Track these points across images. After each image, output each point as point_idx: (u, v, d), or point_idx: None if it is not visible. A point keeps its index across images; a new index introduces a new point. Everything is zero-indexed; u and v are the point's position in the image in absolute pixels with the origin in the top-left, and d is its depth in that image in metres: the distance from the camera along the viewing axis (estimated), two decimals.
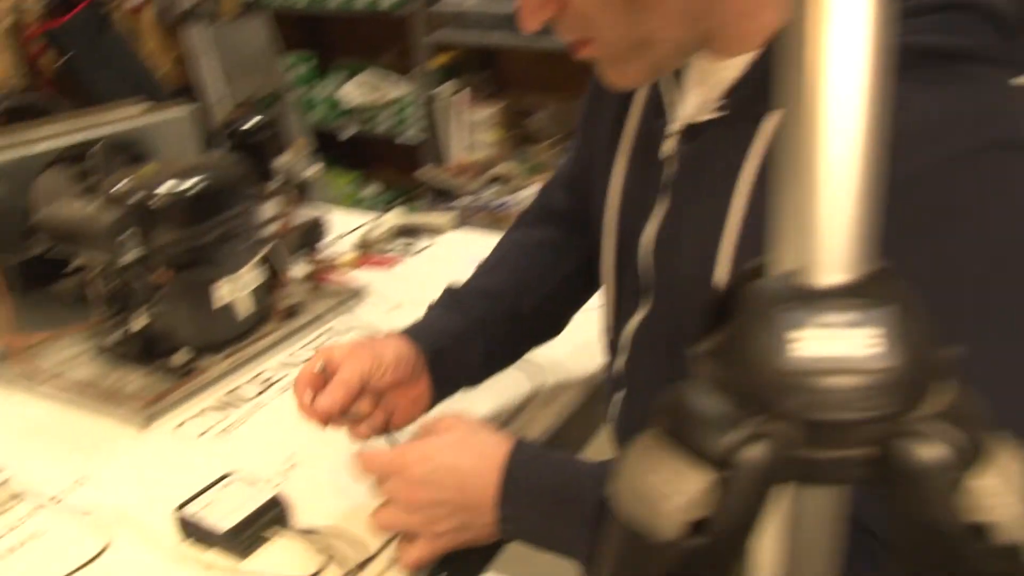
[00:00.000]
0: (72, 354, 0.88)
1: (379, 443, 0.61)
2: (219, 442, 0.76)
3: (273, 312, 0.91)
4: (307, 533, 0.60)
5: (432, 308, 0.67)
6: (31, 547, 0.62)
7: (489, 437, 0.53)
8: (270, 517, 0.61)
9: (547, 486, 0.50)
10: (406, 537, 0.55)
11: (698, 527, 0.22)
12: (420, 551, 0.54)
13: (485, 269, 0.70)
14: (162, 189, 0.77)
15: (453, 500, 0.51)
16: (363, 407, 0.60)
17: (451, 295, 0.67)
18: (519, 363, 0.70)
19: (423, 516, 0.53)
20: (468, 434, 0.54)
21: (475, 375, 0.66)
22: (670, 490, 0.22)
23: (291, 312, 0.93)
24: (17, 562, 0.60)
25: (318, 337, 0.92)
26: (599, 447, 0.71)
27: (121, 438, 0.77)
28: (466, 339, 0.64)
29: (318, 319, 0.94)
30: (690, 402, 0.23)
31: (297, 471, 0.70)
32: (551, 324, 0.71)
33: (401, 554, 0.55)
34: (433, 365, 0.62)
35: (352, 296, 0.97)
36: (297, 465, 0.70)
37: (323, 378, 0.59)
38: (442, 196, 2.20)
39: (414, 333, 0.63)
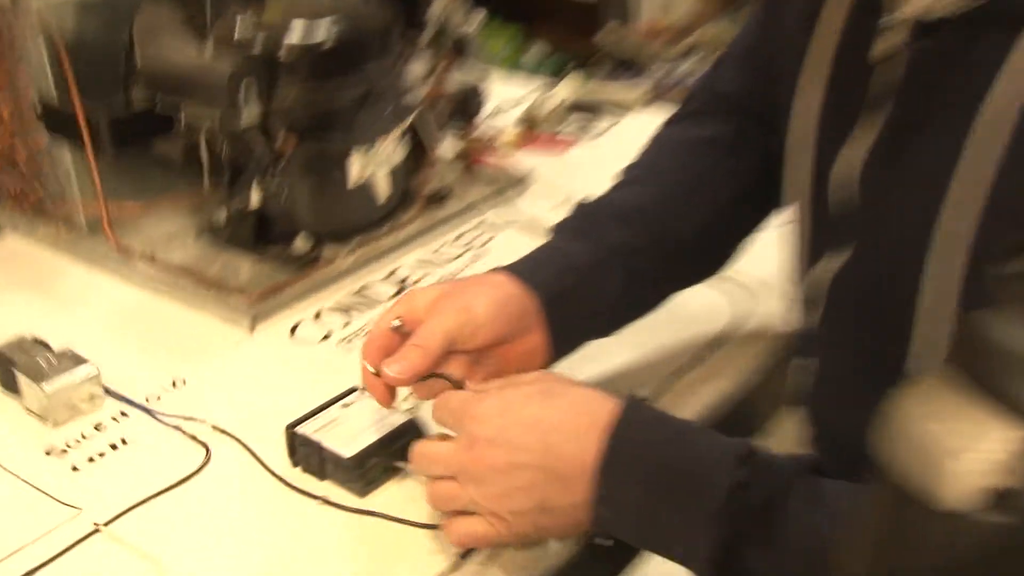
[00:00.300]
0: (170, 232, 0.92)
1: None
2: (343, 351, 0.79)
3: (415, 197, 0.95)
4: None
5: (556, 231, 0.67)
6: (116, 456, 0.67)
7: (590, 391, 0.53)
8: (402, 446, 0.62)
9: (667, 459, 0.49)
10: (461, 514, 0.54)
11: (1000, 499, 0.22)
12: (473, 527, 0.53)
13: (630, 178, 0.69)
14: (291, 35, 0.77)
15: (534, 465, 0.50)
16: (453, 369, 0.60)
17: (582, 214, 0.67)
18: (708, 285, 0.70)
19: (490, 488, 0.52)
20: (561, 384, 0.54)
21: (607, 323, 0.66)
22: (962, 445, 0.22)
23: (437, 198, 0.96)
24: (100, 470, 0.65)
25: (468, 232, 0.95)
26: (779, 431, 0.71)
27: (225, 337, 0.81)
28: (598, 277, 0.63)
29: (470, 209, 0.97)
30: (997, 335, 0.22)
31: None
32: (715, 256, 0.70)
33: (446, 526, 0.54)
34: (551, 314, 0.61)
35: (513, 184, 1.00)
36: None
37: (399, 338, 0.60)
38: (625, 66, 2.15)
39: (526, 271, 0.62)
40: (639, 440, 0.50)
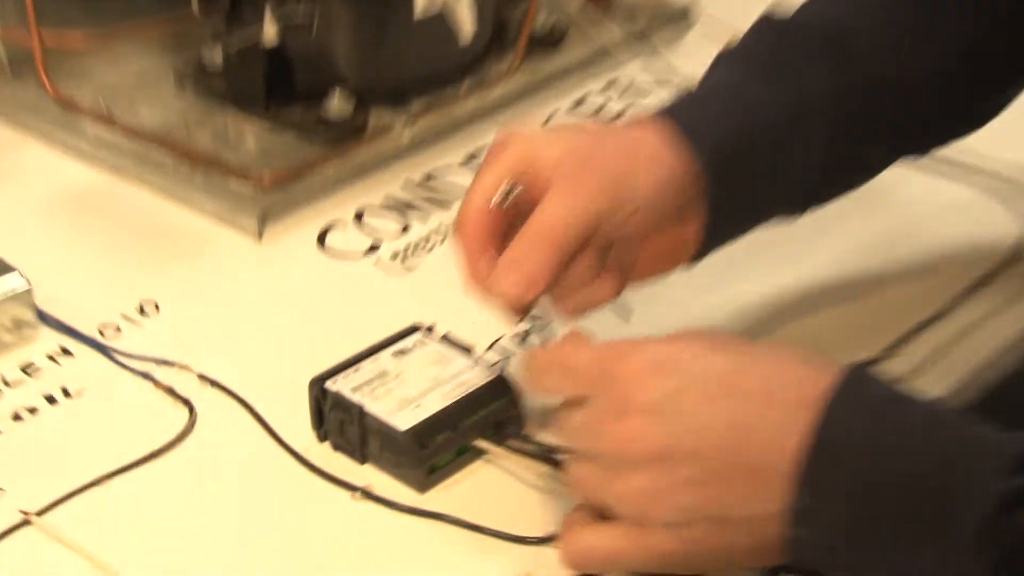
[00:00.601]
0: (136, 78, 0.90)
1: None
2: (398, 270, 0.78)
3: (514, 38, 0.92)
4: (550, 455, 0.61)
5: (731, 63, 0.68)
6: (55, 414, 0.67)
7: (792, 354, 0.54)
8: (485, 417, 0.62)
9: (905, 460, 0.49)
10: (590, 514, 0.55)
11: None
12: (602, 540, 0.54)
13: None
14: None
15: (713, 452, 0.52)
16: (579, 272, 0.61)
17: (771, 38, 0.68)
18: None
19: (639, 479, 0.53)
20: (745, 343, 0.56)
21: (792, 206, 0.68)
22: None
23: (549, 40, 0.93)
24: (30, 435, 0.65)
25: (593, 95, 0.93)
26: None
27: (219, 243, 0.80)
28: (792, 140, 0.65)
29: (599, 58, 0.95)
30: None
31: (541, 338, 0.72)
32: (965, 108, 0.71)
33: (562, 536, 0.56)
34: (719, 193, 0.63)
35: (668, 20, 0.97)
36: (537, 329, 0.72)
37: (512, 215, 0.60)
38: None
39: (690, 123, 0.63)
40: (864, 429, 0.50)
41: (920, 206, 0.77)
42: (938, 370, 0.70)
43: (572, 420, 0.56)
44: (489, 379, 0.64)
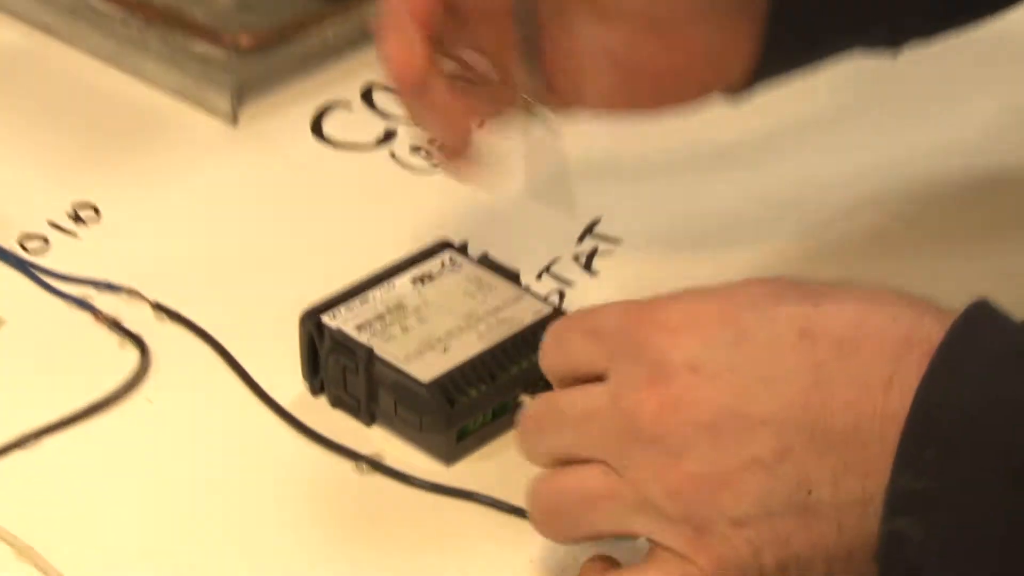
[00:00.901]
0: None
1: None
2: (422, 169, 0.79)
3: None
4: None
5: None
6: None
7: (882, 291, 0.55)
8: (534, 365, 0.61)
9: None
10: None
11: None
12: (661, 569, 0.54)
13: None
14: None
15: (786, 418, 0.52)
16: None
17: None
18: None
19: (695, 463, 0.52)
20: (825, 286, 0.56)
21: (889, 20, 0.69)
22: None
23: None
24: None
25: None
26: None
27: (180, 128, 0.82)
28: None
29: None
30: None
31: (611, 262, 0.73)
32: None
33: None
34: None
35: None
36: (604, 249, 0.74)
37: None
38: None
39: None
40: (995, 382, 0.50)
41: None
42: None
43: (579, 404, 0.55)
44: (539, 316, 0.64)
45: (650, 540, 0.54)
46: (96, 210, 0.76)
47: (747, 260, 0.74)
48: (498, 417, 0.63)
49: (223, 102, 0.83)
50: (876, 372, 0.51)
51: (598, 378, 0.55)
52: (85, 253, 0.74)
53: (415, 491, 0.61)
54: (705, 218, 0.77)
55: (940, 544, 0.50)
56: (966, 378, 0.50)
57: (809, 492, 0.51)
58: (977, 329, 0.52)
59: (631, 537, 0.55)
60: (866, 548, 0.51)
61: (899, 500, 0.50)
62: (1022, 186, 0.79)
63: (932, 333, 0.51)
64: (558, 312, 0.65)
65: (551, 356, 0.58)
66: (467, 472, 0.62)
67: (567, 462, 0.55)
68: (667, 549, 0.53)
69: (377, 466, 0.62)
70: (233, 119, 0.83)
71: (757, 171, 0.75)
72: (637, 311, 0.55)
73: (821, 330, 0.52)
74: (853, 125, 0.78)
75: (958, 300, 0.53)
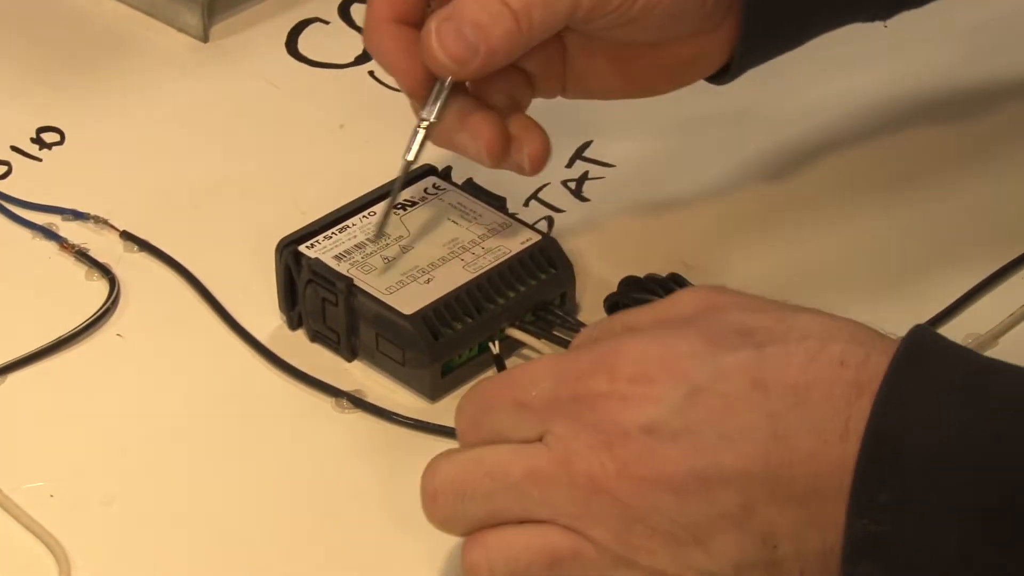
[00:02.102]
0: None
1: None
2: (400, 94, 0.76)
3: None
4: None
5: None
6: None
7: (833, 319, 0.55)
8: (523, 296, 0.64)
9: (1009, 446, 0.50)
10: None
11: None
12: None
13: None
14: None
15: (748, 469, 0.52)
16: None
17: None
18: None
19: (652, 523, 0.53)
20: (768, 309, 0.56)
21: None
22: None
23: None
24: None
25: None
26: None
27: (149, 46, 0.82)
28: None
29: None
30: None
31: (602, 187, 0.73)
32: None
33: None
34: None
35: None
36: (596, 173, 0.74)
37: None
38: None
39: None
40: (941, 416, 0.51)
41: None
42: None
43: (515, 466, 0.54)
44: (528, 244, 0.64)
45: None
46: (61, 133, 0.76)
47: (739, 185, 0.75)
48: (484, 351, 0.63)
49: (193, 18, 0.82)
50: (831, 421, 0.51)
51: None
52: (50, 179, 0.73)
53: (398, 428, 0.62)
54: (700, 143, 0.77)
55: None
56: (911, 418, 0.51)
57: (775, 547, 0.52)
58: (917, 364, 0.52)
59: None
60: None
61: (857, 546, 0.50)
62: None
63: (879, 372, 0.51)
64: (547, 241, 0.65)
65: (470, 432, 0.57)
66: (451, 409, 0.60)
67: (492, 526, 0.55)
68: None
69: (358, 403, 0.62)
70: (204, 36, 0.82)
71: (750, 94, 0.74)
72: (571, 372, 0.55)
73: (772, 378, 0.52)
74: (853, 46, 0.77)
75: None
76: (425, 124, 0.63)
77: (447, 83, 0.62)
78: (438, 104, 0.63)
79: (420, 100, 0.64)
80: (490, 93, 0.65)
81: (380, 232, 0.65)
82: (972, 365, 0.53)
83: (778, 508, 0.52)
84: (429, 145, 0.65)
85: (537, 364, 0.58)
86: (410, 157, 0.63)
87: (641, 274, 0.66)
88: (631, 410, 0.53)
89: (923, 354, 0.52)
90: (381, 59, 0.66)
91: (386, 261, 0.64)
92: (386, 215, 0.65)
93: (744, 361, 0.53)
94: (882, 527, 0.50)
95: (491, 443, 0.56)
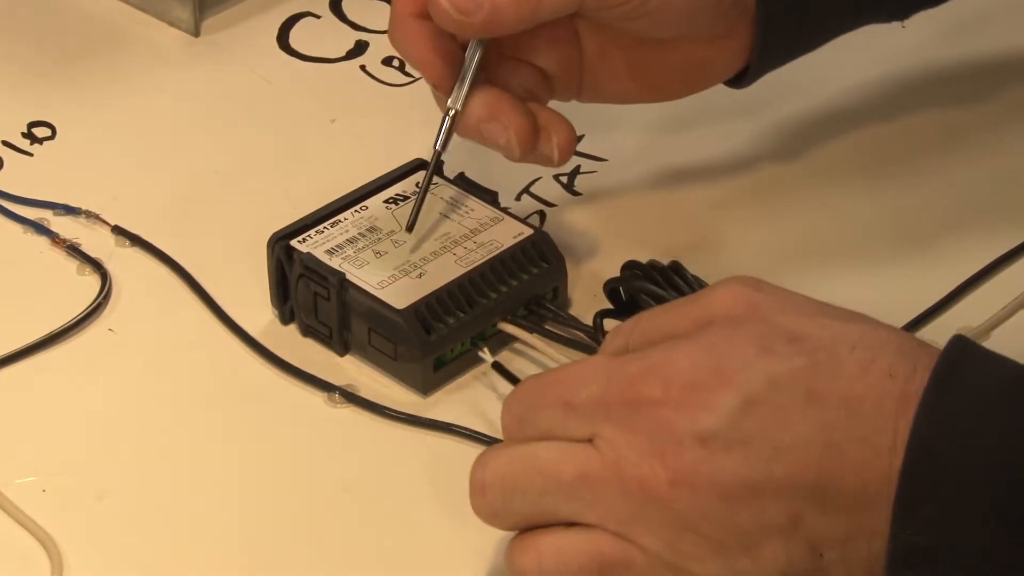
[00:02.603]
0: None
1: None
2: (395, 80, 0.80)
3: None
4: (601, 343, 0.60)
5: None
6: None
7: (876, 328, 0.55)
8: (515, 290, 0.63)
9: None
10: None
11: None
12: None
13: None
14: None
15: (796, 480, 0.52)
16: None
17: None
18: None
19: (698, 532, 0.53)
20: (805, 315, 0.56)
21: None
22: None
23: None
24: None
25: None
26: None
27: (141, 41, 0.82)
28: None
29: None
30: None
31: (594, 182, 0.72)
32: None
33: None
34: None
35: None
36: (588, 168, 0.73)
37: None
38: None
39: None
40: (982, 425, 0.51)
41: None
42: None
43: (567, 466, 0.54)
44: (520, 239, 0.64)
45: None
46: (52, 128, 0.76)
47: (731, 179, 0.75)
48: (476, 346, 0.63)
49: (184, 12, 0.82)
50: (881, 433, 0.51)
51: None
52: (41, 174, 0.73)
53: (390, 423, 0.61)
54: (691, 137, 0.77)
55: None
56: (950, 431, 0.50)
57: (821, 555, 0.52)
58: (957, 376, 0.52)
59: None
60: None
61: (902, 556, 0.50)
62: None
63: (924, 385, 0.51)
64: (539, 236, 0.65)
65: (516, 429, 0.57)
66: (443, 403, 0.62)
67: (539, 524, 0.55)
68: None
69: (351, 397, 0.62)
70: (195, 30, 0.82)
71: (745, 90, 0.74)
72: (621, 380, 0.54)
73: (826, 389, 0.52)
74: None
75: None
76: (452, 112, 0.63)
77: (471, 68, 0.63)
78: (463, 92, 0.63)
79: (445, 92, 0.64)
80: (512, 88, 0.65)
81: (412, 226, 0.65)
82: (1011, 374, 0.53)
83: (827, 518, 0.52)
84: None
85: (587, 365, 0.58)
86: (439, 147, 0.63)
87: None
88: (685, 419, 0.53)
89: (961, 366, 0.52)
90: (405, 52, 0.66)
91: (378, 256, 0.63)
92: (418, 208, 0.64)
93: (797, 371, 0.53)
94: (926, 540, 0.50)
95: (536, 437, 0.56)
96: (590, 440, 0.54)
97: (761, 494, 0.52)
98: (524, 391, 0.57)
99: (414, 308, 0.61)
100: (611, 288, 0.64)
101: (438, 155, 0.64)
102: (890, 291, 0.69)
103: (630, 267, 0.64)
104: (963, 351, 0.53)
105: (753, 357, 0.53)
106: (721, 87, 0.70)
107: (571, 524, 0.55)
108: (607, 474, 0.53)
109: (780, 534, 0.52)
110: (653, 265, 0.64)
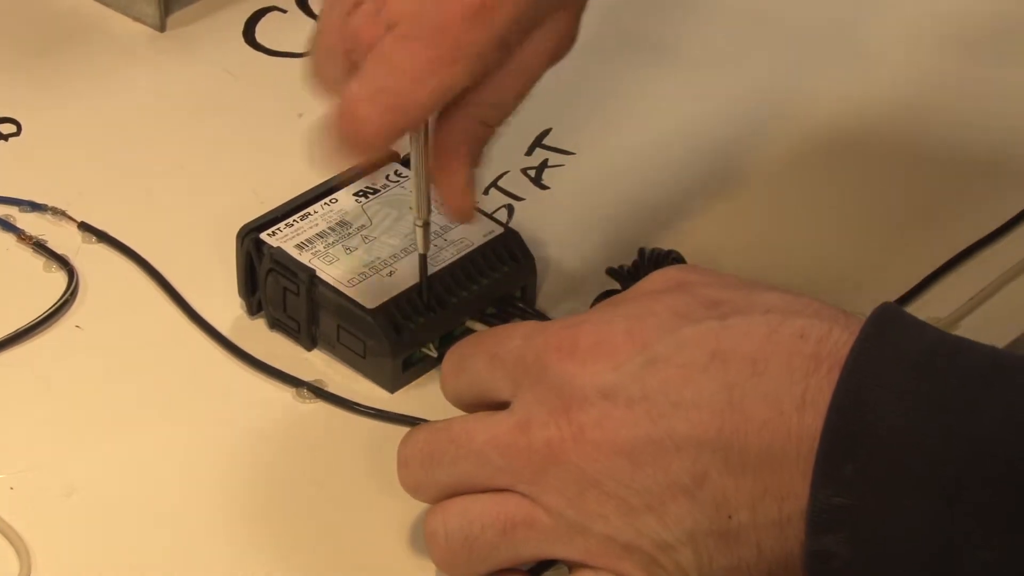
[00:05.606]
0: None
1: None
2: None
3: None
4: None
5: None
6: None
7: (792, 295, 0.56)
8: (485, 287, 0.64)
9: (975, 421, 0.50)
10: None
11: None
12: None
13: None
14: None
15: (702, 437, 0.53)
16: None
17: None
18: None
19: (601, 489, 0.53)
20: (721, 283, 0.57)
21: None
22: None
23: None
24: None
25: None
26: None
27: (107, 36, 0.82)
28: None
29: None
30: None
31: (562, 175, 0.73)
32: None
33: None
34: None
35: None
36: (555, 161, 0.74)
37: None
38: None
39: None
40: (907, 388, 0.51)
41: None
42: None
43: (479, 433, 0.55)
44: (489, 237, 0.64)
45: (570, 563, 0.55)
46: (17, 124, 0.76)
47: (699, 171, 0.75)
48: (445, 345, 0.62)
49: (149, 7, 0.81)
50: (787, 391, 0.52)
51: (500, 406, 0.55)
52: (6, 170, 0.73)
53: (359, 418, 0.62)
54: (660, 130, 0.77)
55: (867, 560, 0.51)
56: (877, 389, 0.51)
57: (729, 516, 0.52)
58: (884, 337, 0.52)
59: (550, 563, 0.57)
60: (786, 568, 0.53)
61: (822, 518, 0.50)
62: None
63: (840, 346, 0.52)
64: (509, 231, 0.65)
65: (453, 380, 0.58)
66: (411, 397, 0.62)
67: (459, 493, 0.56)
68: (591, 570, 0.55)
69: (319, 392, 0.62)
70: (160, 25, 0.82)
71: (711, 80, 0.74)
72: (541, 335, 0.55)
73: (731, 349, 0.53)
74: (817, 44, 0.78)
75: None
76: (422, 224, 0.62)
77: (422, 176, 0.61)
78: (425, 200, 0.61)
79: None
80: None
81: (427, 221, 0.63)
82: (937, 340, 0.53)
83: (732, 477, 0.52)
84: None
85: (515, 324, 0.60)
86: (423, 251, 0.63)
87: (615, 264, 0.67)
88: (589, 373, 0.53)
89: (889, 329, 0.53)
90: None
91: (348, 251, 0.64)
92: (426, 201, 0.62)
93: (705, 332, 0.54)
94: (848, 499, 0.50)
95: (470, 396, 0.58)
96: (509, 403, 0.55)
97: (664, 451, 0.52)
98: (461, 343, 0.59)
99: (384, 307, 0.61)
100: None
101: (424, 259, 0.63)
102: (857, 287, 0.70)
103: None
104: (892, 314, 0.54)
105: (667, 320, 0.55)
106: (693, 80, 0.69)
107: (487, 491, 0.55)
108: (515, 436, 0.54)
109: (685, 493, 0.52)
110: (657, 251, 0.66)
